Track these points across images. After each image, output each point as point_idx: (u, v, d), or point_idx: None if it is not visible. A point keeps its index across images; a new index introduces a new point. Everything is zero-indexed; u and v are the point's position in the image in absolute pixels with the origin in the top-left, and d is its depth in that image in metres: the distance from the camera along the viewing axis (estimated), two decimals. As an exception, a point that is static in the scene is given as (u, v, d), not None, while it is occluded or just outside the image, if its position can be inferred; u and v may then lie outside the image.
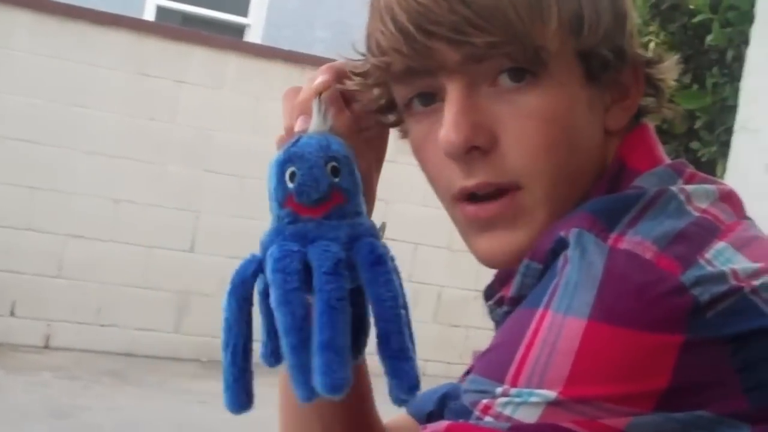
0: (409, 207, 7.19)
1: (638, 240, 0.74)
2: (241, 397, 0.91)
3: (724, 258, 0.74)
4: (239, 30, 10.69)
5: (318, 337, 0.80)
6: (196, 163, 6.80)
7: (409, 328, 0.85)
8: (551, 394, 0.70)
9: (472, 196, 0.86)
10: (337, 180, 0.86)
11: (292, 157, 0.86)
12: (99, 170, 6.54)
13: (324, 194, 0.85)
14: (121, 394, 5.60)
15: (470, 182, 0.85)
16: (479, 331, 7.54)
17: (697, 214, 0.78)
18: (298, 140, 0.88)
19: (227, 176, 6.83)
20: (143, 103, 6.66)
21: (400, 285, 0.85)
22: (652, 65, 0.89)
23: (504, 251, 0.87)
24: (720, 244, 0.75)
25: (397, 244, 6.93)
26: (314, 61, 7.22)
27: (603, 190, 0.85)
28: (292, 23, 10.57)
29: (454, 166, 0.86)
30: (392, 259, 0.86)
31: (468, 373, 0.95)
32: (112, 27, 6.57)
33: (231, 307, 0.87)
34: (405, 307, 0.85)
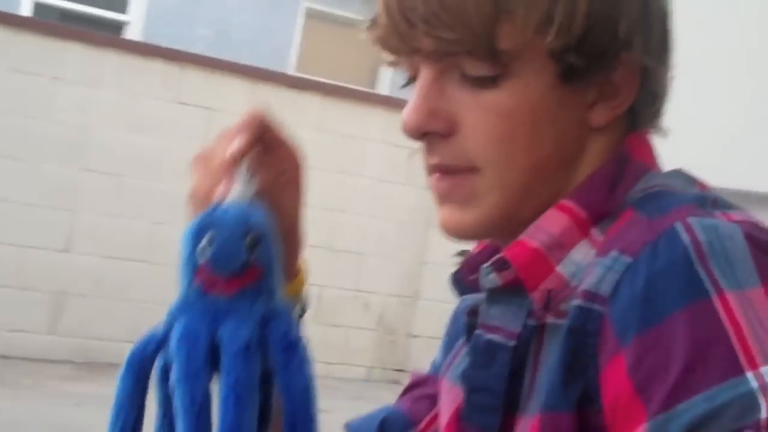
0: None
1: (742, 214, 0.78)
2: None
3: None
4: (118, 27, 10.54)
5: (221, 425, 0.76)
6: (73, 161, 6.69)
7: (316, 420, 0.80)
8: None
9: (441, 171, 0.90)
10: (254, 254, 0.80)
11: (209, 226, 0.80)
12: (-29, 168, 6.39)
13: (240, 268, 0.80)
14: (-6, 397, 5.47)
15: (430, 161, 0.89)
16: (359, 331, 7.58)
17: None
18: (215, 209, 0.82)
19: (105, 175, 6.73)
20: (19, 101, 6.52)
21: (312, 374, 0.81)
22: (648, 69, 0.90)
23: (454, 226, 0.90)
24: None
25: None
26: (194, 59, 7.19)
27: (610, 171, 0.88)
28: (172, 21, 10.46)
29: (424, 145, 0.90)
30: (305, 346, 0.82)
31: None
32: (-14, 21, 6.42)
33: (125, 385, 0.80)
34: (315, 398, 0.80)
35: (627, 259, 0.76)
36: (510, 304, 0.89)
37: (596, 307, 0.77)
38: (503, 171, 0.87)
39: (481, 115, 0.86)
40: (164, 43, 7.81)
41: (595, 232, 0.86)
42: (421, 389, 1.10)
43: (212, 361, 0.78)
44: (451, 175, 0.88)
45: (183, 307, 0.80)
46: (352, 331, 7.55)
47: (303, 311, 1.00)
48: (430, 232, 7.33)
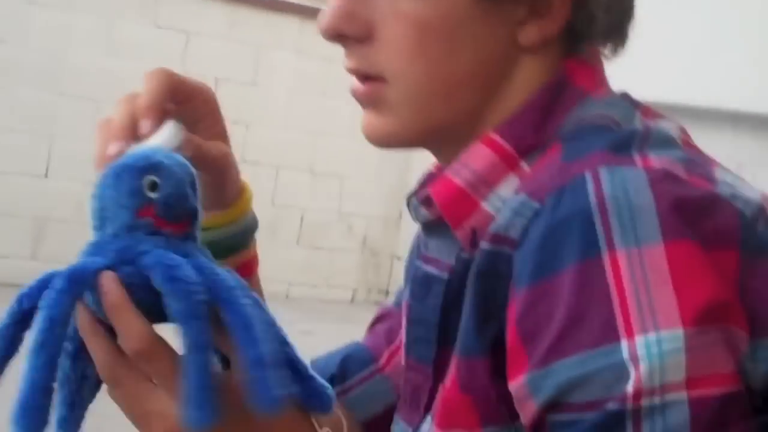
0: (270, 131, 7.15)
1: (666, 160, 0.73)
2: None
3: (728, 185, 0.75)
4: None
5: (250, 348, 0.74)
6: (50, 86, 6.61)
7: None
8: (677, 332, 0.66)
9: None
10: (193, 201, 0.80)
11: (154, 167, 0.78)
12: (-54, 94, 6.31)
13: (189, 213, 0.79)
14: (-23, 324, 5.46)
15: (347, 64, 0.88)
16: (343, 253, 7.60)
17: (687, 149, 0.79)
18: (154, 152, 0.80)
19: (82, 100, 6.65)
20: (-8, 24, 6.42)
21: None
22: None
23: (373, 132, 0.88)
24: (719, 171, 0.77)
25: (259, 167, 6.94)
26: (171, -18, 7.06)
27: (541, 100, 0.85)
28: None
29: None
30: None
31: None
32: (-44, -56, 6.30)
33: (60, 307, 0.76)
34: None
35: (534, 204, 0.74)
36: (445, 237, 0.87)
37: (506, 250, 0.75)
38: (410, 84, 0.84)
39: (396, 23, 0.83)
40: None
41: (524, 165, 0.83)
42: (385, 322, 1.10)
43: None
44: (366, 81, 0.87)
45: (137, 239, 0.77)
46: (336, 253, 7.56)
47: (252, 230, 0.99)
48: (412, 153, 7.31)
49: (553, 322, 0.69)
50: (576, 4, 0.84)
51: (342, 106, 7.28)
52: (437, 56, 0.83)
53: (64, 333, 0.75)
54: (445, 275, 0.87)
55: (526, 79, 0.86)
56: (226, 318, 0.75)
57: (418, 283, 0.91)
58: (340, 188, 7.55)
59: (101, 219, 0.79)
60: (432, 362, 0.88)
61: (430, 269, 0.89)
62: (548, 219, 0.72)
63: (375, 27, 0.84)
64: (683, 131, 0.83)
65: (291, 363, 0.80)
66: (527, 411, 0.71)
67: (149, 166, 0.78)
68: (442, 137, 0.87)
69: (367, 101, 0.87)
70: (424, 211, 0.88)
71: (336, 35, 0.86)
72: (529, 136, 0.84)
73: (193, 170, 0.81)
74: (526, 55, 0.86)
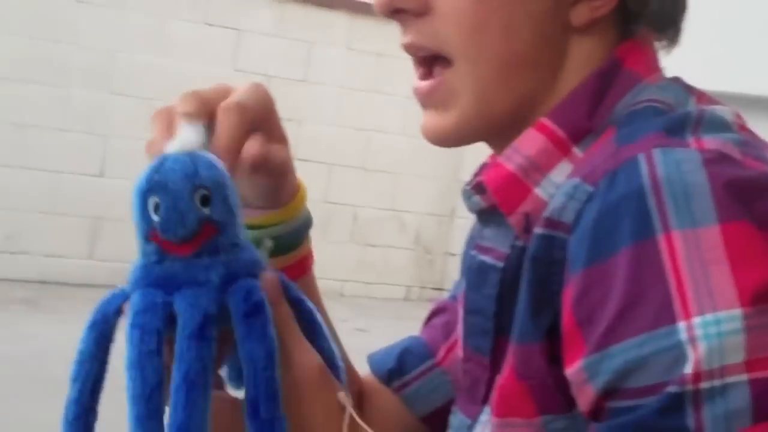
0: (322, 127, 7.15)
1: (720, 142, 0.72)
2: None
3: None
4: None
5: (172, 416, 0.71)
6: (102, 85, 6.66)
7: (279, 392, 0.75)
8: (735, 312, 0.65)
9: (424, 66, 0.87)
10: (207, 211, 0.75)
11: (154, 187, 0.75)
12: (2, 95, 6.37)
13: (192, 230, 0.74)
14: (33, 322, 5.52)
15: (404, 40, 0.86)
16: (396, 250, 7.58)
17: (742, 132, 0.77)
18: (162, 163, 0.76)
19: (134, 98, 6.70)
20: (44, 25, 6.48)
21: (273, 337, 0.75)
22: None
23: (433, 131, 0.87)
24: None
25: (311, 165, 6.94)
26: (221, -20, 7.09)
27: (594, 85, 0.84)
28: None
29: None
30: (266, 305, 0.76)
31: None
32: (10, -55, 6.36)
33: (87, 342, 0.78)
34: (277, 365, 0.75)
35: (588, 187, 0.73)
36: (500, 225, 0.86)
37: (560, 234, 0.74)
38: (475, 63, 0.83)
39: None
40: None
41: (577, 151, 0.82)
42: (442, 316, 1.09)
43: (170, 336, 0.74)
44: (430, 74, 0.86)
45: (142, 274, 0.77)
46: (390, 250, 7.55)
47: (307, 227, 0.98)
48: (464, 149, 7.27)
49: (609, 306, 0.68)
50: None
51: (393, 102, 7.26)
52: (497, 32, 0.82)
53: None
54: (500, 264, 0.86)
55: (580, 62, 0.85)
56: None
57: (474, 272, 0.90)
58: (392, 185, 7.53)
59: (136, 234, 0.79)
60: (489, 353, 0.87)
61: (486, 258, 0.89)
62: (601, 201, 0.71)
63: (431, 1, 0.83)
64: (738, 116, 0.80)
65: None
66: (585, 397, 0.70)
67: (151, 186, 0.76)
68: (501, 126, 0.86)
69: (433, 97, 0.86)
70: (476, 199, 0.87)
71: (393, 10, 0.84)
72: (582, 121, 0.83)
73: (208, 172, 0.76)
74: (578, 36, 0.85)
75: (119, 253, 6.58)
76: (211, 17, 6.95)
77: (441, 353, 1.06)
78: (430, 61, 0.86)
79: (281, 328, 0.77)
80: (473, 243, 0.93)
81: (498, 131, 0.86)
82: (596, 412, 0.69)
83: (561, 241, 0.74)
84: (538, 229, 0.76)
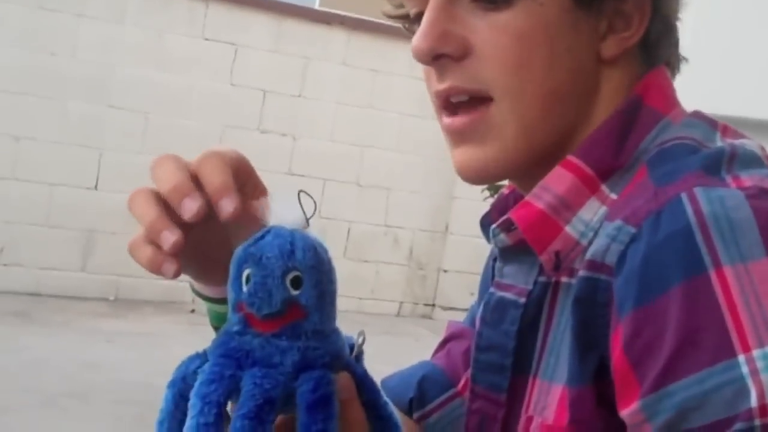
0: (317, 143, 7.16)
1: (757, 177, 0.73)
2: None
3: None
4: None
5: None
6: (99, 99, 6.67)
7: None
8: None
9: (451, 109, 0.87)
10: (296, 293, 0.74)
11: (249, 258, 0.74)
12: (-2, 107, 6.39)
13: (277, 309, 0.73)
14: (27, 334, 5.51)
15: (442, 86, 0.86)
16: (389, 266, 7.58)
17: None
18: (263, 236, 0.75)
19: (131, 112, 6.71)
20: (42, 38, 6.49)
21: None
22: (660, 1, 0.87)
23: (473, 166, 0.87)
24: None
25: (305, 180, 6.93)
26: (219, -5, 7.10)
27: (618, 122, 0.85)
28: (195, -44, 10.35)
29: (432, 73, 0.87)
30: (333, 401, 0.74)
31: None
32: (8, -42, 6.37)
33: (167, 400, 0.76)
34: None
35: (631, 229, 0.73)
36: (522, 263, 0.87)
37: (603, 277, 0.74)
38: (518, 99, 0.84)
39: (494, 36, 0.83)
40: (188, -22, 7.74)
41: (605, 189, 0.83)
42: (459, 342, 1.09)
43: (236, 400, 0.73)
44: (466, 110, 0.85)
45: (221, 341, 0.76)
46: (383, 266, 7.55)
47: None
48: (458, 166, 7.29)
49: (665, 344, 0.68)
50: (653, 17, 0.86)
51: (388, 118, 7.28)
52: (540, 67, 0.84)
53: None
54: (522, 299, 0.86)
55: (611, 93, 0.87)
56: None
57: (491, 309, 0.90)
58: (386, 201, 7.53)
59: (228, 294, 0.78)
60: (505, 390, 0.87)
61: (506, 294, 0.88)
62: (648, 242, 0.71)
63: (471, 43, 0.84)
64: (763, 149, 0.82)
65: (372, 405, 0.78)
66: None
67: (247, 257, 0.75)
68: (540, 160, 0.86)
69: (471, 130, 0.86)
70: (503, 237, 0.87)
71: (434, 56, 0.85)
72: (609, 158, 0.84)
73: (303, 255, 0.75)
74: (608, 69, 0.87)
75: (112, 267, 6.58)
76: (209, 32, 6.97)
77: (461, 384, 1.05)
78: (466, 104, 0.86)
79: (345, 429, 0.74)
80: (491, 279, 0.93)
81: (535, 166, 0.86)
82: None
83: (605, 284, 0.74)
84: (582, 272, 0.76)
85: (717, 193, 0.71)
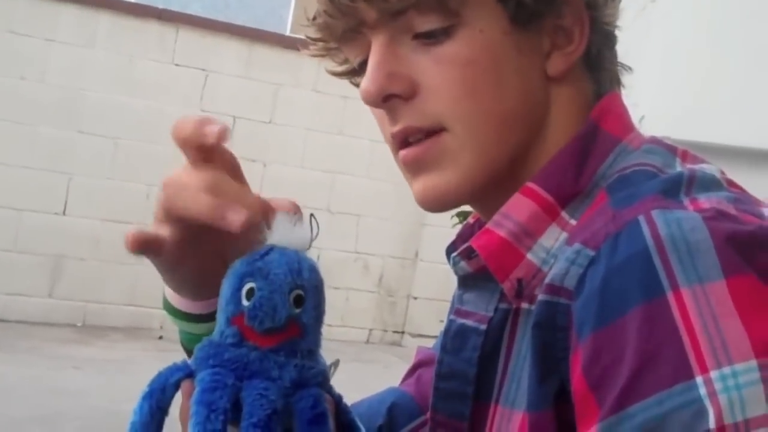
0: (288, 169, 7.16)
1: (715, 200, 0.74)
2: None
3: None
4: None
5: None
6: (68, 124, 6.65)
7: None
8: (752, 364, 0.65)
9: (406, 142, 0.87)
10: (298, 311, 0.75)
11: (255, 273, 0.75)
12: (-34, 131, 6.35)
13: (280, 324, 0.74)
14: (-8, 361, 5.47)
15: (396, 128, 0.86)
16: (359, 293, 7.57)
17: (732, 189, 0.79)
18: (267, 253, 0.76)
19: (100, 137, 6.69)
20: (12, 62, 6.47)
21: None
22: (596, 9, 0.88)
23: (433, 193, 0.87)
24: (765, 209, 0.77)
25: (276, 206, 6.88)
26: (190, 20, 7.11)
27: (576, 148, 0.86)
28: (166, -19, 10.36)
29: (384, 116, 0.87)
30: (329, 419, 0.76)
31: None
32: (-22, -18, 6.36)
33: (142, 412, 0.75)
34: None
35: (590, 252, 0.73)
36: (483, 290, 0.87)
37: (563, 301, 0.74)
38: (472, 124, 0.84)
39: (440, 70, 0.84)
40: (159, 3, 7.74)
41: (565, 215, 0.84)
42: (429, 369, 1.07)
43: (234, 417, 0.72)
44: (420, 142, 0.85)
45: (214, 352, 0.75)
46: (352, 293, 7.54)
47: None
48: (428, 193, 7.31)
49: (623, 367, 0.68)
50: (592, 28, 0.87)
51: (359, 144, 7.29)
52: (489, 91, 0.84)
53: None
54: (482, 326, 0.87)
55: (563, 111, 0.88)
56: None
57: (451, 336, 0.90)
58: (357, 227, 7.54)
59: (216, 316, 0.78)
60: (467, 418, 0.87)
61: (466, 321, 0.89)
62: (607, 264, 0.71)
63: (418, 81, 0.84)
64: (722, 172, 0.83)
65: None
66: None
67: (252, 271, 0.75)
68: (496, 184, 0.86)
69: (427, 159, 0.86)
70: (463, 264, 0.87)
71: (384, 97, 0.85)
72: (568, 185, 0.84)
73: (310, 276, 0.77)
74: (557, 86, 0.87)
75: (80, 293, 6.53)
76: (179, 57, 6.97)
77: (430, 412, 1.04)
78: (420, 139, 0.86)
79: None
80: (452, 308, 0.93)
81: (493, 189, 0.87)
82: None
83: (564, 307, 0.74)
84: (541, 296, 0.76)
85: (674, 216, 0.71)
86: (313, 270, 0.77)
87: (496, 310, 0.86)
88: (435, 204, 0.87)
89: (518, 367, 0.83)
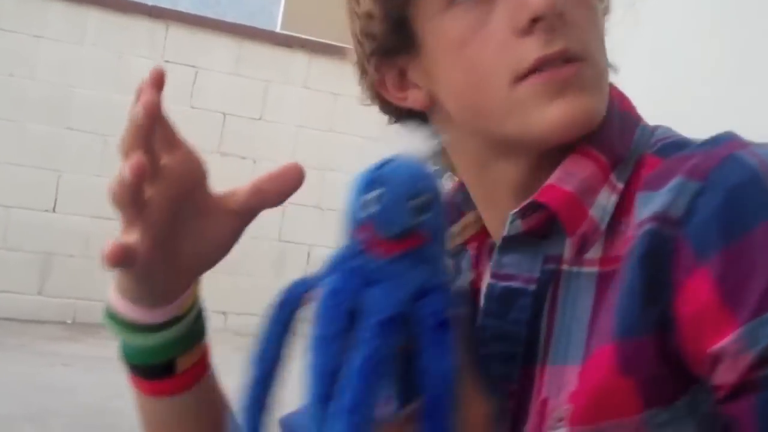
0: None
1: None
2: (249, 426, 0.76)
3: None
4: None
5: (342, 398, 0.69)
6: (57, 120, 6.63)
7: (454, 410, 0.73)
8: None
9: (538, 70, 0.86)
10: (423, 218, 0.75)
11: (380, 179, 0.76)
12: (-46, 128, 6.34)
13: (406, 228, 0.74)
14: (-18, 359, 5.46)
15: (552, 49, 0.85)
16: (348, 289, 7.57)
17: None
18: (388, 162, 0.78)
19: (90, 134, 6.67)
20: (1, 59, 6.45)
21: (456, 360, 0.73)
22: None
23: (583, 115, 0.85)
24: None
25: (266, 202, 6.85)
26: (180, 17, 7.10)
27: (617, 120, 0.90)
28: (156, -22, 10.34)
29: (525, 41, 0.85)
30: (455, 330, 0.75)
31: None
32: (-33, -21, 6.34)
33: (276, 321, 0.77)
34: (456, 385, 0.73)
35: (696, 183, 0.77)
36: (524, 253, 0.88)
37: (667, 230, 0.77)
38: (601, 66, 0.88)
39: (580, 9, 0.87)
40: (149, 0, 7.73)
41: (613, 178, 0.86)
42: None
43: (354, 327, 0.73)
44: (564, 65, 0.86)
45: (338, 262, 0.77)
46: (342, 289, 7.54)
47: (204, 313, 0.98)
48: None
49: (760, 274, 0.72)
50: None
51: (349, 141, 7.29)
52: (602, 44, 0.90)
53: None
54: (531, 287, 0.87)
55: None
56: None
57: (495, 300, 0.89)
58: (346, 224, 7.53)
59: (343, 227, 0.79)
60: (516, 379, 0.87)
61: (511, 284, 0.88)
62: (723, 188, 0.76)
63: (564, 12, 0.86)
64: None
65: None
66: (734, 370, 0.73)
67: (377, 178, 0.77)
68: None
69: (577, 78, 0.85)
70: (518, 223, 0.87)
71: (558, 13, 0.84)
72: (620, 150, 0.87)
73: (430, 183, 0.77)
74: None
75: (70, 290, 6.52)
76: (169, 54, 6.96)
77: None
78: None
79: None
80: (491, 271, 0.91)
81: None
82: (744, 385, 0.72)
83: (670, 237, 0.77)
84: (647, 226, 0.78)
85: (764, 150, 0.78)
86: (435, 178, 0.78)
87: (542, 271, 0.87)
88: (584, 126, 0.86)
89: (565, 327, 0.84)
